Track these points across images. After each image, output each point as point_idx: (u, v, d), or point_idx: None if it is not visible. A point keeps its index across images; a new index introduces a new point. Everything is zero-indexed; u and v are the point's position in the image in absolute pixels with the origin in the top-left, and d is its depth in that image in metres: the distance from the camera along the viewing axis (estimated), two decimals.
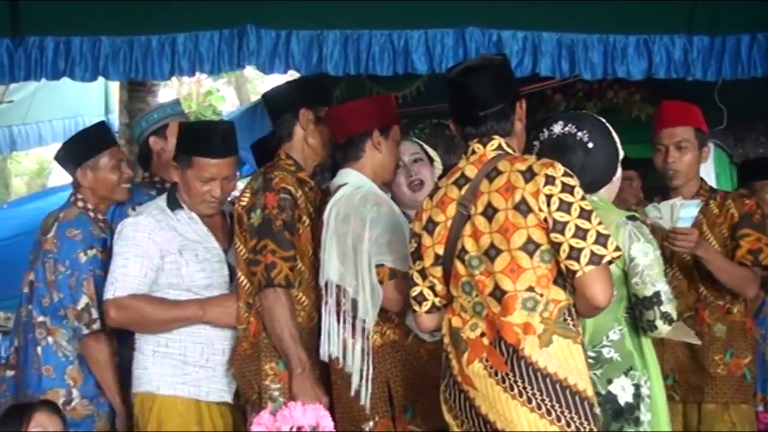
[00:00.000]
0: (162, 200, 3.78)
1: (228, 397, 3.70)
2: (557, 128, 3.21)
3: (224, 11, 4.23)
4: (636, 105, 6.56)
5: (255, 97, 12.24)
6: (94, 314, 3.87)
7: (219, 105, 14.59)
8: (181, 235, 3.70)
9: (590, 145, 3.19)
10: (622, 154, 3.28)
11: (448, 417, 3.04)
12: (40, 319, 3.96)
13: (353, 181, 3.52)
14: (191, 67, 4.28)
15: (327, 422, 2.83)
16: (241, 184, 4.99)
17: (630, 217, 3.16)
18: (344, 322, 3.40)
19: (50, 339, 3.94)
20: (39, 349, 3.95)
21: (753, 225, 3.95)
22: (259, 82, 15.98)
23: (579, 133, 3.20)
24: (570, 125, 3.21)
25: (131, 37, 4.27)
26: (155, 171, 4.23)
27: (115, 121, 8.07)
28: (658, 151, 4.04)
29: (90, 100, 8.40)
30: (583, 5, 4.26)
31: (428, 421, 3.24)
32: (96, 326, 3.87)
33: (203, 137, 3.75)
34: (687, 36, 4.22)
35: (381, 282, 3.34)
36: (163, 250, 3.65)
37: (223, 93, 15.86)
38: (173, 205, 3.75)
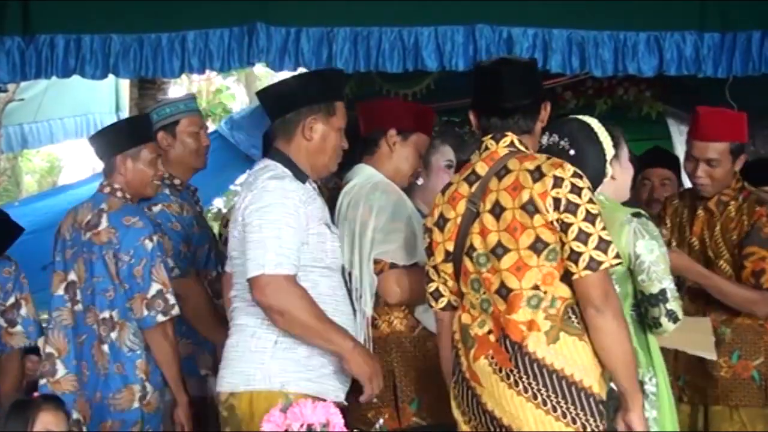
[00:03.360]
0: (279, 168, 3.23)
1: (342, 397, 3.28)
2: (544, 140, 3.26)
3: (234, 9, 4.24)
4: (646, 102, 6.54)
5: None
6: (171, 300, 3.77)
7: (229, 103, 14.59)
8: (321, 206, 3.29)
9: (572, 152, 3.22)
10: (611, 153, 3.27)
11: (456, 413, 3.05)
12: (104, 315, 3.82)
13: (366, 174, 3.58)
14: (201, 65, 4.29)
15: (337, 419, 2.83)
16: None
17: (635, 214, 3.17)
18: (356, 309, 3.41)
19: (114, 335, 3.81)
20: (105, 347, 3.82)
21: (760, 240, 3.84)
22: (269, 80, 15.99)
23: (561, 142, 3.25)
24: (553, 135, 3.26)
25: (141, 35, 4.28)
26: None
27: None
28: (688, 159, 3.98)
29: (100, 97, 8.42)
30: (594, 2, 4.25)
31: (433, 413, 3.25)
32: (175, 311, 3.77)
33: None
34: (698, 33, 4.21)
35: (381, 272, 3.36)
36: (309, 221, 3.18)
37: (233, 91, 15.87)
38: (301, 176, 3.24)
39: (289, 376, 3.15)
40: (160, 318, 3.76)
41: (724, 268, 3.91)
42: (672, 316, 3.12)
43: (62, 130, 8.56)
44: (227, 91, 15.37)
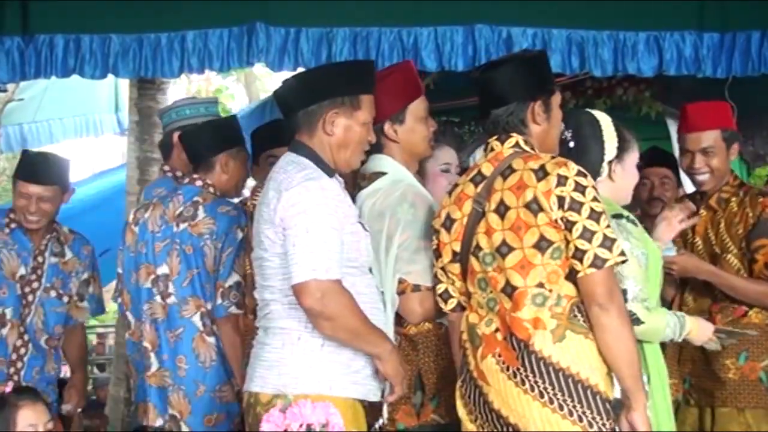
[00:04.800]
0: (308, 165, 3.11)
1: (379, 395, 3.19)
2: None
3: (233, 9, 4.24)
4: (645, 102, 6.54)
5: (264, 95, 12.26)
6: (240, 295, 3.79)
7: (228, 103, 14.60)
8: (351, 202, 3.19)
9: (571, 144, 3.22)
10: (612, 154, 3.26)
11: (462, 412, 3.06)
12: (209, 306, 3.84)
13: (391, 172, 3.44)
14: (200, 65, 4.29)
15: (336, 420, 2.83)
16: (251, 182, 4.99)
17: (616, 215, 3.17)
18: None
19: (214, 327, 3.83)
20: (212, 339, 3.83)
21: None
22: (269, 80, 15.99)
23: (565, 132, 3.23)
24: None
25: (141, 35, 4.28)
26: (174, 165, 4.24)
27: (124, 119, 8.10)
28: (684, 155, 3.98)
29: (100, 97, 8.44)
30: (594, 2, 4.26)
31: (451, 412, 3.22)
32: (242, 308, 3.80)
33: None
34: (697, 33, 4.22)
35: (403, 293, 3.31)
36: (345, 220, 3.09)
37: (232, 91, 15.87)
38: (328, 171, 3.13)
39: (336, 379, 3.07)
40: (233, 310, 3.76)
41: (731, 262, 3.90)
42: (631, 318, 3.11)
43: (62, 130, 8.57)
44: (227, 91, 15.37)
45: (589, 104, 6.50)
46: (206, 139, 3.99)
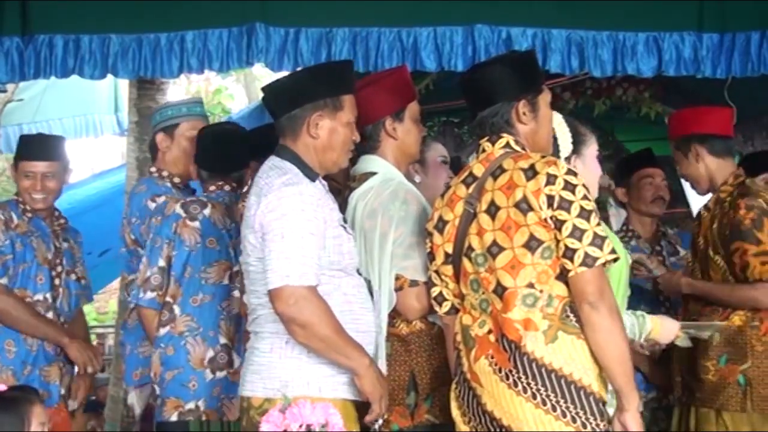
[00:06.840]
0: (290, 170, 3.13)
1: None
2: None
3: (233, 9, 4.24)
4: (645, 103, 6.54)
5: None
6: None
7: (228, 103, 14.60)
8: (333, 205, 3.19)
9: None
10: (568, 150, 3.25)
11: (456, 413, 3.06)
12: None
13: (381, 172, 3.45)
14: (200, 65, 4.29)
15: (336, 420, 2.83)
16: None
17: None
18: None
19: None
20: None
21: (740, 234, 3.83)
22: (268, 80, 16.00)
23: None
24: None
25: (140, 35, 4.28)
26: (160, 165, 4.28)
27: (124, 119, 8.09)
28: None
29: (99, 98, 8.43)
30: (593, 2, 4.26)
31: (445, 412, 3.22)
32: None
33: None
34: (697, 33, 4.21)
35: (400, 289, 3.31)
36: (326, 225, 3.09)
37: (231, 91, 15.87)
38: (311, 174, 3.15)
39: (326, 381, 3.08)
40: None
41: (719, 263, 3.92)
42: None
43: (61, 131, 8.53)
44: (226, 92, 15.37)
45: (588, 104, 6.51)
46: (245, 149, 4.09)
